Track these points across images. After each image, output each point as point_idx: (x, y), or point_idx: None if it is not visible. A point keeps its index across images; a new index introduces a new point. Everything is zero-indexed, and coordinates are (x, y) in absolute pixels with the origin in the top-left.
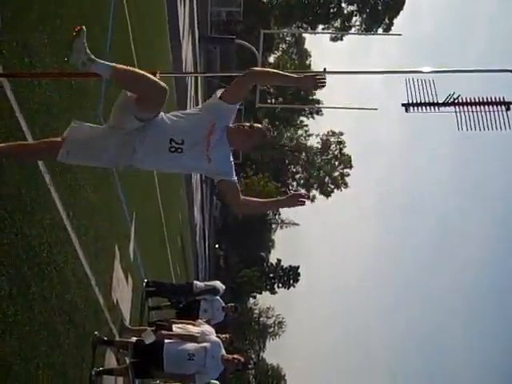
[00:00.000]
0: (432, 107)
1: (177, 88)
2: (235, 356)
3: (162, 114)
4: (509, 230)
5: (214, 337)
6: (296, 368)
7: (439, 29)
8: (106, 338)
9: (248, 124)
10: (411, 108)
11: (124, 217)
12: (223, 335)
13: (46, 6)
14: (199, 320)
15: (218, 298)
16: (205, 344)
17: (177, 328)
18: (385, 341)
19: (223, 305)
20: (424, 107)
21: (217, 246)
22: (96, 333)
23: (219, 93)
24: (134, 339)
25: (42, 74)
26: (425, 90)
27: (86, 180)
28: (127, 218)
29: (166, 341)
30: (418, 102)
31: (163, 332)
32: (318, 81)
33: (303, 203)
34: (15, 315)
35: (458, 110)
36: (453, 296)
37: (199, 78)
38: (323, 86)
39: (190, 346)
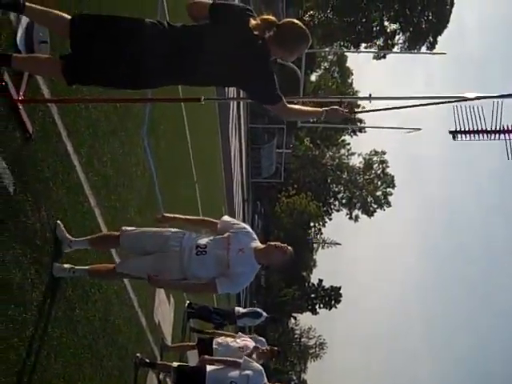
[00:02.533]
0: (480, 134)
1: (220, 112)
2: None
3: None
4: None
5: (256, 364)
6: None
7: (486, 47)
8: (148, 360)
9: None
10: (459, 135)
11: None
12: (265, 348)
13: None
14: (240, 333)
15: (262, 339)
16: (247, 372)
17: (218, 345)
18: (431, 364)
19: (266, 346)
20: (472, 134)
21: None
22: (138, 354)
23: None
24: (175, 364)
25: (87, 99)
26: (472, 116)
27: (129, 201)
28: None
29: (208, 367)
30: (466, 129)
31: (206, 357)
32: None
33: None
34: (60, 337)
35: (508, 137)
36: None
37: (242, 102)
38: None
39: (233, 373)
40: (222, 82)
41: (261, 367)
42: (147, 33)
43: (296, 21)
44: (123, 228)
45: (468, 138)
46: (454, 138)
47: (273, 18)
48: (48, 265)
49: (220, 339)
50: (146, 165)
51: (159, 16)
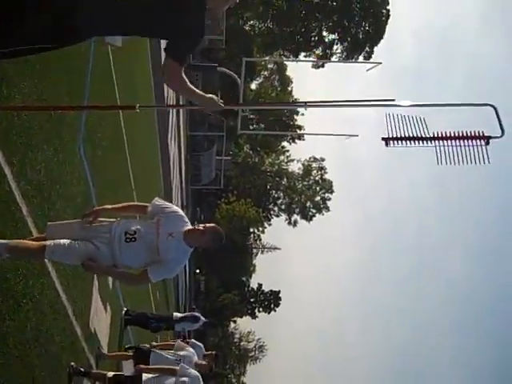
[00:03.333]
0: (412, 141)
1: (158, 119)
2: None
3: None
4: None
5: (193, 371)
6: None
7: (420, 58)
8: (82, 369)
9: (202, 225)
10: (391, 142)
11: None
12: (206, 357)
13: None
14: (178, 341)
15: (200, 345)
16: (184, 378)
17: (155, 354)
18: (368, 367)
19: (204, 352)
20: (404, 141)
21: (197, 270)
22: (72, 363)
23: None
24: (110, 374)
25: (21, 107)
26: (405, 124)
27: (64, 209)
28: None
29: (144, 376)
30: (398, 136)
31: (142, 366)
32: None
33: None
34: None
35: (437, 144)
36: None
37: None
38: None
39: (169, 381)
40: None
41: (197, 373)
42: None
43: None
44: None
45: (400, 145)
46: (386, 144)
47: None
48: None
49: (159, 349)
50: (82, 173)
51: None
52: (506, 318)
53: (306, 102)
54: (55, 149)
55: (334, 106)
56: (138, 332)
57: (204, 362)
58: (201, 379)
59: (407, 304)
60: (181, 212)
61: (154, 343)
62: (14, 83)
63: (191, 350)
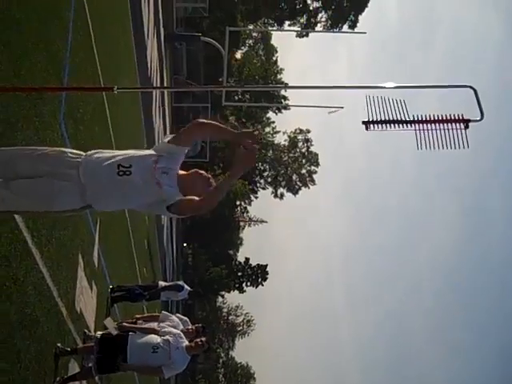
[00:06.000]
0: (392, 125)
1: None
2: (196, 340)
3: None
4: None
5: (174, 329)
6: (265, 366)
7: (403, 29)
8: (68, 349)
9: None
10: (371, 126)
11: (88, 224)
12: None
13: (2, 11)
14: (164, 312)
15: (185, 319)
16: (167, 337)
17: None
18: (354, 339)
19: (190, 326)
20: (384, 125)
21: (185, 244)
22: (58, 344)
23: (167, 138)
24: (98, 334)
25: None
26: (385, 107)
27: None
28: (91, 224)
29: (130, 333)
30: (378, 119)
31: (125, 324)
32: (254, 141)
33: (253, 160)
34: None
35: (417, 128)
36: (421, 290)
37: (166, 77)
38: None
39: (154, 339)
40: None
41: (178, 331)
42: None
43: None
44: None
45: (380, 129)
46: (366, 128)
47: None
48: None
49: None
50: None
51: None
52: None
53: (286, 84)
54: (35, 127)
55: (315, 88)
56: (125, 309)
57: (193, 344)
58: (183, 336)
59: (393, 273)
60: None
61: (138, 315)
62: None
63: (175, 319)
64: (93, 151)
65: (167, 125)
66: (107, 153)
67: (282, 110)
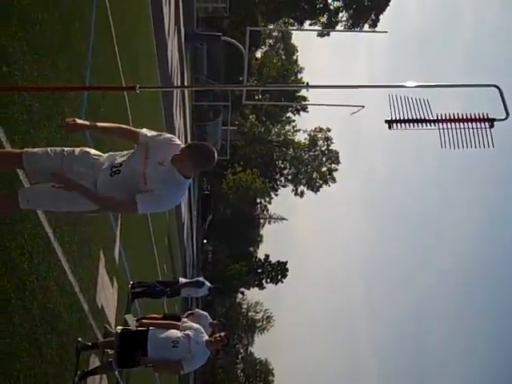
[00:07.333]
0: (416, 124)
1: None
2: (216, 335)
3: None
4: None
5: (195, 324)
6: (284, 362)
7: (426, 27)
8: (89, 343)
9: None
10: (394, 125)
11: (109, 220)
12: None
13: (26, 12)
14: (184, 319)
15: (206, 314)
16: (187, 331)
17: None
18: (374, 336)
19: (210, 320)
20: (407, 124)
21: (205, 241)
22: (80, 339)
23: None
24: (119, 328)
25: (20, 87)
26: (409, 106)
27: None
28: (112, 220)
29: (150, 328)
30: (401, 118)
31: (145, 321)
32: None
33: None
34: None
35: (441, 127)
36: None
37: (186, 76)
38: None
39: (174, 333)
40: None
41: (199, 326)
42: None
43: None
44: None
45: (404, 128)
46: (389, 127)
47: None
48: None
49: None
50: (85, 146)
51: None
52: None
53: (307, 83)
54: (58, 125)
55: (336, 88)
56: (146, 306)
57: (213, 339)
58: (203, 331)
59: (413, 268)
60: (176, 140)
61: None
62: (14, 60)
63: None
64: (110, 153)
65: (187, 123)
66: (118, 154)
67: (301, 112)
